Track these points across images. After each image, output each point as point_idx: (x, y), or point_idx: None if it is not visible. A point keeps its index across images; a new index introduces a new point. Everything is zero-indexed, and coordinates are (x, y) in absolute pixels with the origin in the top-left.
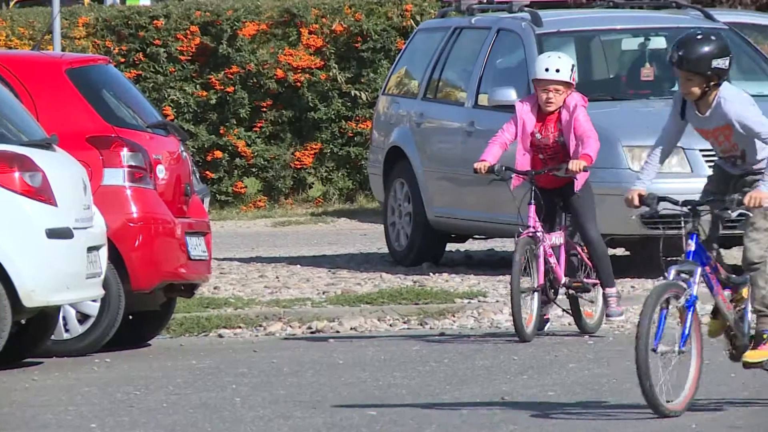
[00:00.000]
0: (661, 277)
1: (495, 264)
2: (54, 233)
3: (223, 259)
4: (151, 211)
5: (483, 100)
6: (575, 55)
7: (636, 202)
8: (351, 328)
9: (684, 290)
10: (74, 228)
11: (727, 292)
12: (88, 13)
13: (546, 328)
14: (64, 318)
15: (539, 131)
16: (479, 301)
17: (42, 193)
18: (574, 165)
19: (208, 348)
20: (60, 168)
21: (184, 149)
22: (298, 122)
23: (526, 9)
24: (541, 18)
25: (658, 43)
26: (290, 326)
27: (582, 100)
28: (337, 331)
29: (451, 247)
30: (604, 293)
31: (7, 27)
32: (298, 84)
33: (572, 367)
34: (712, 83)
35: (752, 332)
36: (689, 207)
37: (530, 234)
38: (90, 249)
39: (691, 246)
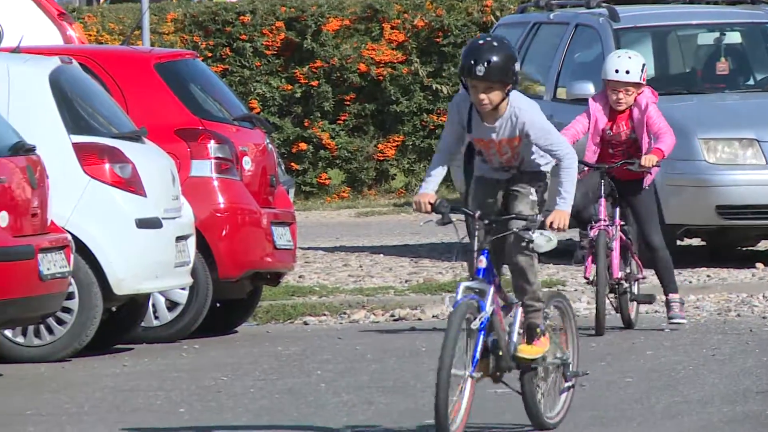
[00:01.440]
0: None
1: (574, 254)
2: (143, 223)
3: (308, 249)
4: (237, 201)
5: (561, 93)
6: (651, 50)
7: (427, 208)
8: (433, 316)
9: (477, 311)
10: (163, 218)
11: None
12: (176, 9)
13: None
14: (153, 305)
15: (610, 128)
16: (558, 289)
17: (132, 184)
18: (646, 160)
19: (294, 335)
20: (149, 160)
21: (270, 141)
22: (381, 115)
23: (603, 5)
24: (619, 14)
25: (733, 38)
26: (373, 314)
27: (653, 96)
28: (419, 319)
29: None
30: (667, 299)
31: (98, 23)
32: (381, 78)
33: (649, 355)
34: (509, 90)
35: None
36: (485, 222)
37: (602, 227)
38: (178, 238)
39: (483, 263)
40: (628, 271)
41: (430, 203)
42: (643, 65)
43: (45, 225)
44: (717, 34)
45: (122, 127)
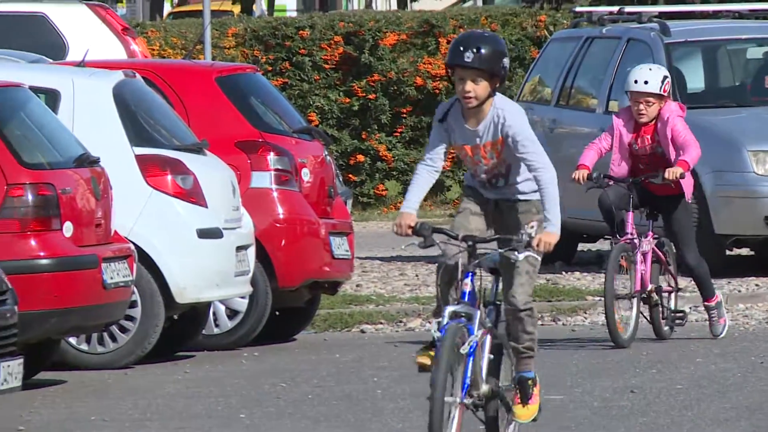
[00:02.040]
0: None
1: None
2: (204, 233)
3: (365, 258)
4: (296, 212)
5: (613, 106)
6: (702, 64)
7: (407, 231)
8: None
9: (466, 336)
10: (224, 228)
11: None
12: (237, 24)
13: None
14: (214, 314)
15: (636, 142)
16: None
17: (193, 195)
18: (670, 173)
19: (351, 342)
20: (210, 171)
21: (328, 153)
22: None
23: (654, 19)
24: (670, 28)
25: None
26: (429, 322)
27: (679, 110)
28: None
29: (582, 246)
30: (705, 305)
31: (161, 37)
32: (437, 91)
33: (699, 362)
34: (496, 86)
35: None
36: (469, 243)
37: (627, 240)
38: (239, 248)
39: (468, 286)
40: (661, 284)
41: (410, 226)
42: (664, 78)
43: (108, 235)
44: (766, 49)
45: (184, 139)
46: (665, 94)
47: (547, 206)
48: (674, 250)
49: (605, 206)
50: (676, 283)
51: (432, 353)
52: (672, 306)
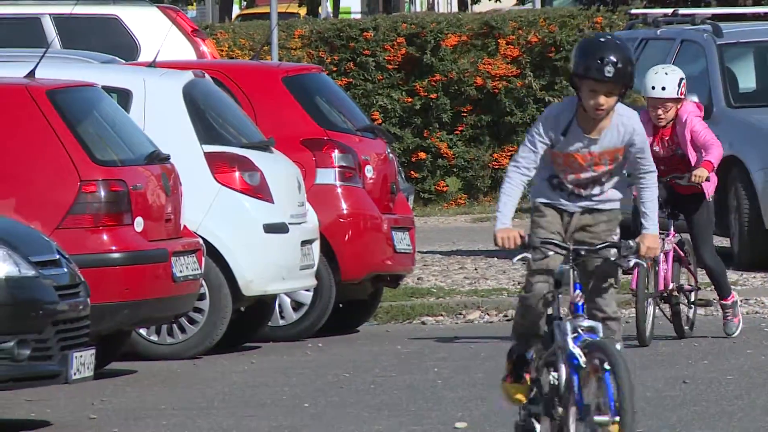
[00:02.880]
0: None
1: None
2: (271, 228)
3: (426, 252)
4: (360, 207)
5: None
6: (753, 64)
7: (516, 243)
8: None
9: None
10: (289, 223)
11: None
12: (303, 25)
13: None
14: (280, 306)
15: (656, 144)
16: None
17: (260, 191)
18: (696, 177)
19: (412, 334)
20: (276, 168)
21: (391, 151)
22: (496, 126)
23: (707, 21)
24: (722, 30)
25: None
26: (488, 314)
27: (696, 109)
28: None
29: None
30: (722, 303)
31: (229, 38)
32: (496, 91)
33: (749, 353)
34: (620, 96)
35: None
36: (581, 253)
37: None
38: (304, 242)
39: (579, 298)
40: (682, 283)
41: (520, 236)
42: (681, 80)
43: (178, 230)
44: None
45: (251, 137)
46: (682, 97)
47: (649, 206)
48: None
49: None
50: (696, 281)
51: (523, 387)
52: (691, 304)
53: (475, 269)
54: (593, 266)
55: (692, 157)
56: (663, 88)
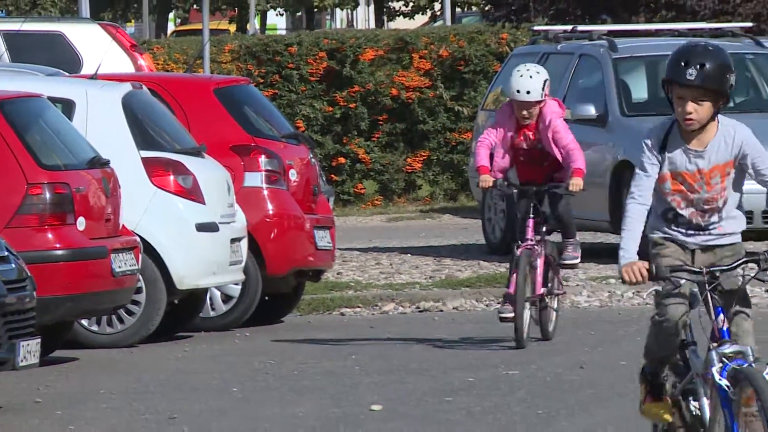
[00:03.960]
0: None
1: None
2: (202, 227)
3: (345, 249)
4: (284, 208)
5: (567, 114)
6: (645, 77)
7: (642, 277)
8: (453, 308)
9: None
10: (220, 223)
11: None
12: (233, 41)
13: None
14: (210, 298)
15: (519, 138)
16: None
17: (192, 193)
18: (574, 186)
19: (332, 324)
20: (208, 172)
21: (313, 156)
22: (410, 133)
23: (604, 37)
24: (617, 45)
25: None
26: (401, 306)
27: (560, 110)
28: (441, 310)
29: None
30: (564, 242)
31: (165, 53)
32: (410, 101)
33: (640, 341)
34: (720, 106)
35: None
36: (716, 274)
37: (529, 246)
38: (233, 240)
39: (724, 322)
40: (549, 286)
41: (646, 269)
42: (545, 82)
43: (117, 229)
44: None
45: (185, 143)
46: (545, 97)
47: None
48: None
49: (512, 215)
50: (562, 285)
51: (665, 404)
52: (555, 306)
53: (390, 265)
54: (733, 286)
55: (554, 152)
56: (528, 92)
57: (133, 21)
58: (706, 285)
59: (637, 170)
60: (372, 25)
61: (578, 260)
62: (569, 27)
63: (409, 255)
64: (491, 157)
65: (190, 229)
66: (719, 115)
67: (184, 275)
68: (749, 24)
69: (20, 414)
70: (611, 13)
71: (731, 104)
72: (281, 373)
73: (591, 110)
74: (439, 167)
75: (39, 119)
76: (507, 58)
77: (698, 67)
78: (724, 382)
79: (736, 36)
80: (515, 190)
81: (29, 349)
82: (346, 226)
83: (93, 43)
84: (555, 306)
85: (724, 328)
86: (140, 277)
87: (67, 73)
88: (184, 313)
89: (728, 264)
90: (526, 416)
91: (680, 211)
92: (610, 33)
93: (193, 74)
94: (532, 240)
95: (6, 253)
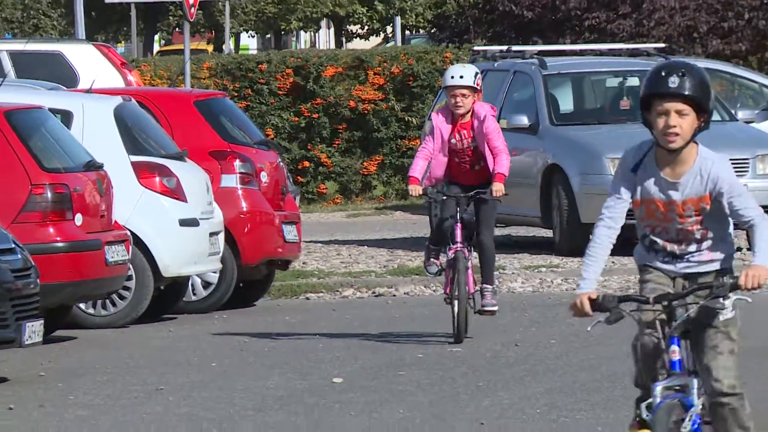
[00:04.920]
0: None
1: (512, 245)
2: (184, 222)
3: (310, 242)
4: (256, 206)
5: (503, 123)
6: (571, 91)
7: (587, 309)
8: (404, 293)
9: (684, 410)
10: (200, 218)
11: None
12: (210, 59)
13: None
14: (192, 285)
15: (454, 137)
16: (500, 273)
17: (176, 193)
18: (497, 193)
19: (299, 307)
20: (189, 174)
21: (281, 160)
22: (366, 140)
23: (535, 56)
24: (546, 63)
25: (633, 81)
26: (359, 291)
27: (491, 110)
28: (394, 295)
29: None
30: (483, 287)
31: (151, 70)
32: (366, 112)
33: (569, 322)
34: (701, 128)
35: None
36: (664, 304)
37: (459, 248)
38: (211, 234)
39: (676, 354)
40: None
41: (591, 299)
42: (476, 73)
43: (110, 224)
44: (621, 79)
45: (169, 149)
46: (478, 87)
47: (759, 243)
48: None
49: (441, 220)
50: (477, 283)
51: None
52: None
53: (349, 255)
54: (704, 319)
55: (487, 152)
56: (461, 77)
57: (123, 42)
58: (658, 314)
59: (610, 192)
60: (332, 45)
61: (497, 308)
62: (505, 47)
63: (365, 247)
64: (427, 167)
65: (174, 224)
66: (701, 147)
67: (169, 264)
68: (662, 45)
69: (26, 386)
70: (541, 36)
71: None
72: (254, 350)
73: (524, 120)
74: (392, 170)
75: (41, 128)
76: None
77: (680, 75)
78: (651, 418)
79: (650, 55)
80: (444, 197)
81: (34, 330)
82: (310, 221)
83: (88, 61)
84: (472, 304)
85: (675, 359)
86: (130, 266)
87: (65, 88)
88: (169, 297)
89: (683, 291)
90: (468, 387)
91: (654, 239)
92: (541, 53)
93: (176, 88)
94: (461, 243)
95: (13, 245)
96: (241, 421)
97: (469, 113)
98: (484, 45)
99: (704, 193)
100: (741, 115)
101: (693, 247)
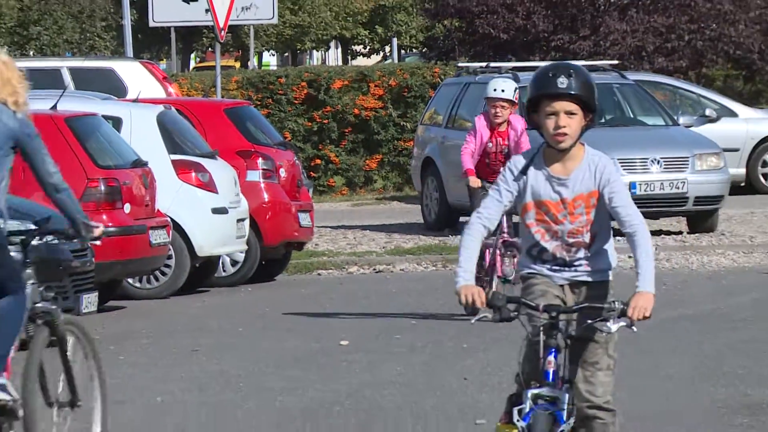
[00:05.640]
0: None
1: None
2: (216, 210)
3: (321, 227)
4: (276, 197)
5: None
6: None
7: (480, 303)
8: (400, 270)
9: (553, 424)
10: (229, 207)
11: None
12: (238, 74)
13: None
14: (222, 263)
15: (491, 141)
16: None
17: (209, 186)
18: None
19: (311, 282)
20: (220, 170)
21: (297, 158)
22: (368, 142)
23: (510, 71)
24: (519, 77)
25: None
26: (362, 268)
27: (524, 124)
28: (392, 271)
29: (464, 219)
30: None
31: (188, 83)
32: (368, 118)
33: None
34: (588, 126)
35: None
36: (552, 314)
37: (505, 239)
38: (238, 220)
39: (551, 365)
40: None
41: (484, 294)
42: (516, 88)
43: (153, 212)
44: None
45: (202, 149)
46: (515, 100)
47: (643, 265)
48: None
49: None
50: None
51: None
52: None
53: (354, 238)
54: (583, 334)
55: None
56: (502, 91)
57: (164, 59)
58: (544, 322)
59: (491, 192)
60: (340, 62)
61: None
62: (484, 64)
63: (368, 231)
64: None
65: (207, 212)
66: (587, 146)
67: (203, 245)
68: (616, 62)
69: None
70: (514, 54)
71: (602, 120)
72: (274, 317)
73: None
74: (390, 167)
75: (96, 131)
76: (438, 86)
77: (568, 75)
78: (522, 425)
79: (606, 71)
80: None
81: (90, 300)
82: (321, 209)
83: (135, 75)
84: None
85: (549, 370)
86: (170, 247)
87: (116, 98)
88: (202, 273)
89: (573, 306)
90: (455, 349)
91: (544, 245)
92: (514, 68)
93: (209, 98)
94: (507, 232)
95: None
96: (264, 377)
97: (506, 123)
98: (467, 62)
99: (593, 188)
100: (682, 120)
101: (581, 254)
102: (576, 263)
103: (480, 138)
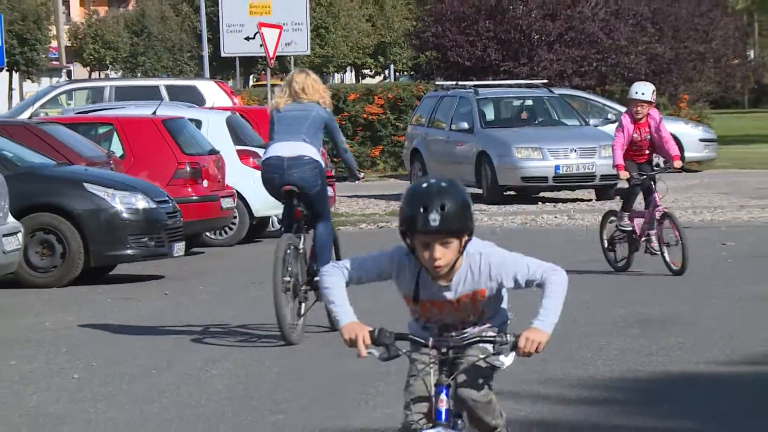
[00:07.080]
0: None
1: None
2: None
3: (340, 196)
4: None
5: (453, 127)
6: (492, 108)
7: (366, 342)
8: (396, 226)
9: None
10: None
11: None
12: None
13: None
14: (272, 221)
15: (636, 132)
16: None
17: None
18: (677, 165)
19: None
20: None
21: (324, 149)
22: (373, 137)
23: (472, 87)
24: (479, 91)
25: (529, 102)
26: (369, 225)
27: (660, 115)
28: (390, 228)
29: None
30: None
31: (247, 96)
32: (373, 120)
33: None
34: (465, 242)
35: None
36: (442, 351)
37: (660, 209)
38: None
39: (443, 403)
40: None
41: (368, 334)
42: (653, 90)
43: (224, 186)
44: (521, 101)
45: (258, 142)
46: (653, 101)
47: (545, 306)
48: None
49: (634, 186)
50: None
51: None
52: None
53: (363, 203)
54: (466, 365)
55: (657, 141)
56: (643, 94)
57: (231, 79)
58: (433, 359)
59: (363, 258)
60: (354, 81)
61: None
62: (454, 82)
63: (372, 199)
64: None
65: (261, 186)
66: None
67: (258, 209)
68: (545, 81)
69: (175, 280)
70: (475, 75)
71: (536, 121)
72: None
73: (465, 125)
74: (388, 154)
75: (183, 129)
76: (422, 98)
77: (440, 209)
78: None
79: (539, 87)
80: (644, 176)
81: (179, 248)
82: (340, 185)
83: (210, 91)
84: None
85: (441, 408)
86: (235, 210)
87: (197, 107)
88: (258, 229)
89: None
90: None
91: (429, 325)
92: (475, 85)
93: (262, 106)
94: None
95: (166, 198)
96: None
97: (645, 117)
98: (443, 81)
99: (480, 287)
100: (591, 122)
101: (470, 328)
102: (465, 333)
103: (627, 132)
